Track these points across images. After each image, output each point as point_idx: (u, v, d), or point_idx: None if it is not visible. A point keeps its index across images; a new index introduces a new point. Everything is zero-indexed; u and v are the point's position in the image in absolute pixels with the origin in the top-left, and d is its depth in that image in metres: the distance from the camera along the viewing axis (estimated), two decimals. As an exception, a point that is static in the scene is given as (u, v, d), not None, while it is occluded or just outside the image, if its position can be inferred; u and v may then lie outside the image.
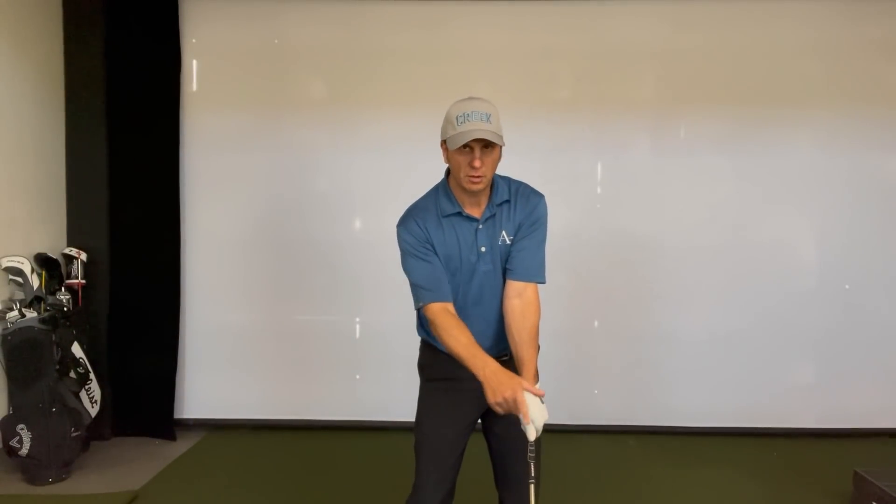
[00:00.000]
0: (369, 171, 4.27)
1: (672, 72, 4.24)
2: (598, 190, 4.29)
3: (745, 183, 4.27)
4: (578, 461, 3.90)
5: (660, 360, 4.30)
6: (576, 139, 4.26)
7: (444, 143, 2.07)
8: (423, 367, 2.31)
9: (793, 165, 4.25)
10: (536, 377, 2.09)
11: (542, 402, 1.94)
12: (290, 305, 4.37)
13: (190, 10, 4.24)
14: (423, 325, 2.21)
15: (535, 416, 1.90)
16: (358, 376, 4.35)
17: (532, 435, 1.91)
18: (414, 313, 2.25)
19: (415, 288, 2.11)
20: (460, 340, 2.00)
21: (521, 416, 1.89)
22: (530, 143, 4.24)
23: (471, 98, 2.04)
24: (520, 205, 2.15)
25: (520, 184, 2.20)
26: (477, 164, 1.99)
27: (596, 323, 4.35)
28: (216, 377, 4.36)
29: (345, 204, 4.31)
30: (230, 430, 4.34)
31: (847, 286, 4.26)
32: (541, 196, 2.18)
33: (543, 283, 2.14)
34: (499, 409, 1.93)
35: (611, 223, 4.28)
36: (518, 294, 2.11)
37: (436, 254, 2.10)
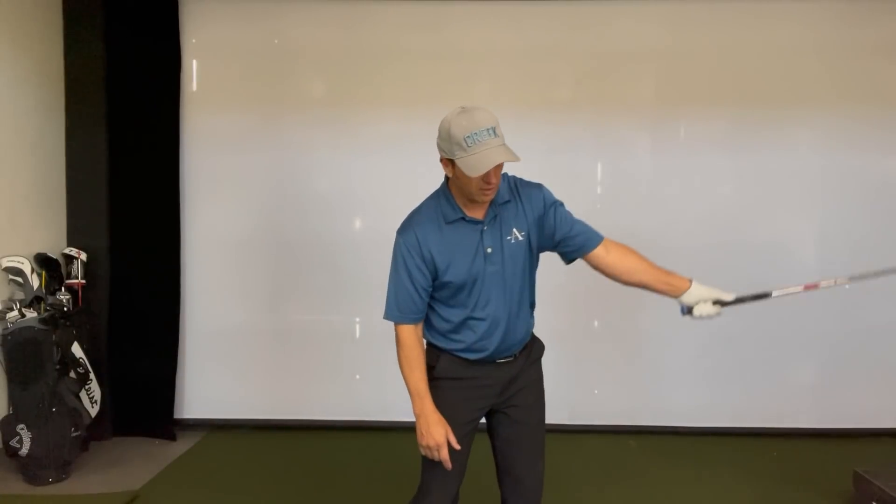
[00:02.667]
0: (369, 171, 4.27)
1: (672, 72, 4.24)
2: (598, 190, 4.29)
3: (745, 183, 4.26)
4: (578, 461, 3.90)
5: (660, 360, 4.30)
6: (576, 139, 4.26)
7: (447, 160, 2.01)
8: (428, 368, 2.31)
9: (793, 165, 4.25)
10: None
11: None
12: (290, 305, 4.37)
13: (190, 10, 4.24)
14: (427, 326, 2.22)
15: None
16: (358, 376, 4.35)
17: None
18: None
19: (389, 301, 2.14)
20: (415, 374, 2.09)
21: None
22: (530, 143, 4.20)
23: (469, 110, 1.96)
24: (525, 202, 2.15)
25: (516, 179, 2.19)
26: (493, 179, 1.99)
27: (596, 323, 4.35)
28: (216, 377, 4.36)
29: (345, 204, 4.30)
30: (230, 430, 4.34)
31: (847, 286, 4.24)
32: (539, 185, 2.20)
33: (603, 237, 2.23)
34: (423, 451, 2.08)
35: (611, 223, 4.22)
36: (606, 253, 2.20)
37: (427, 269, 2.09)
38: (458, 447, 2.06)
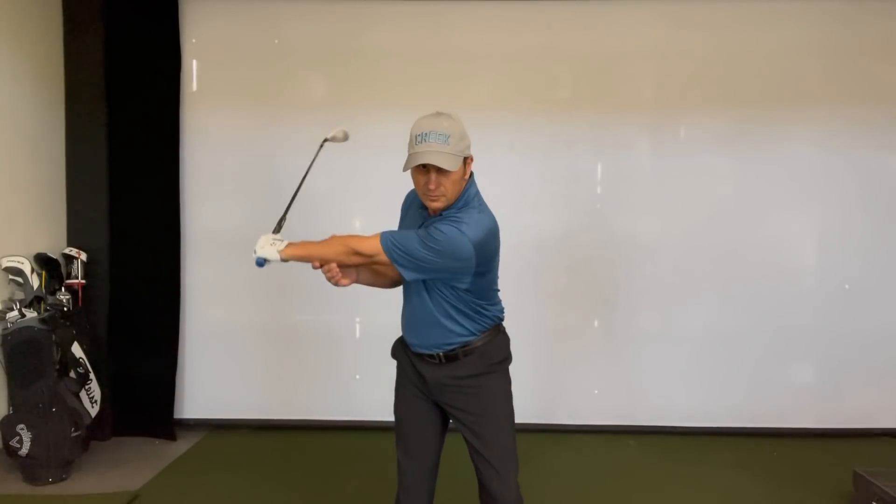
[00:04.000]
0: (369, 171, 4.26)
1: (672, 72, 4.24)
2: (598, 190, 4.29)
3: (745, 183, 4.27)
4: (578, 461, 3.89)
5: (660, 360, 4.29)
6: (576, 139, 4.26)
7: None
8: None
9: (792, 165, 4.25)
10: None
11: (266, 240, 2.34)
12: (290, 305, 4.36)
13: (190, 10, 4.24)
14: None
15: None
16: (358, 376, 4.35)
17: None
18: None
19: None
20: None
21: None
22: (530, 143, 4.25)
23: (436, 115, 2.11)
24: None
25: (467, 210, 2.14)
26: (431, 185, 2.07)
27: (596, 323, 4.35)
28: (216, 377, 4.36)
29: (345, 204, 4.31)
30: (230, 430, 4.34)
31: (847, 286, 4.26)
32: (454, 227, 2.07)
33: (381, 248, 2.14)
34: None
35: (611, 223, 4.28)
36: None
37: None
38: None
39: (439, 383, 2.26)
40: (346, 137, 2.51)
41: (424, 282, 2.19)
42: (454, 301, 2.19)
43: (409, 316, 2.30)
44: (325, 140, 2.42)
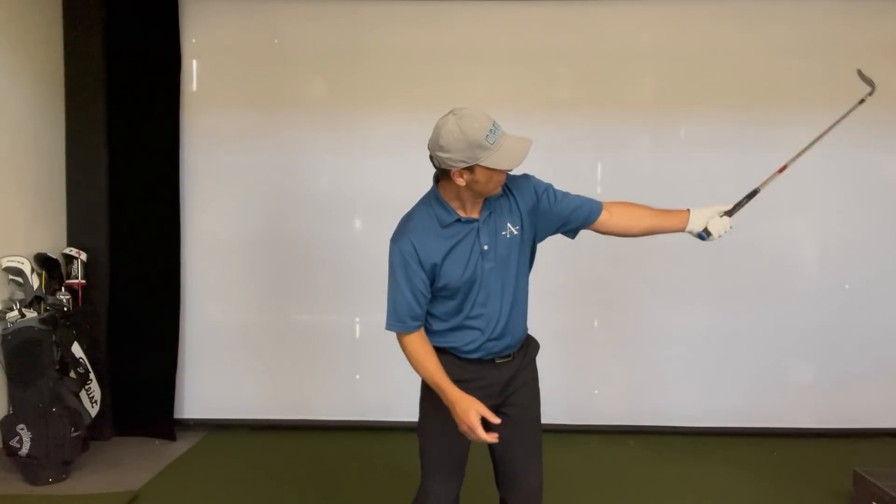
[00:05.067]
0: (369, 171, 4.26)
1: (672, 72, 4.24)
2: (598, 190, 4.29)
3: (745, 183, 4.23)
4: (578, 461, 3.90)
5: (660, 360, 4.29)
6: (576, 139, 4.26)
7: (467, 169, 1.95)
8: None
9: (792, 165, 4.24)
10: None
11: None
12: (290, 305, 4.37)
13: (190, 10, 4.24)
14: (427, 328, 2.19)
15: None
16: (358, 376, 4.35)
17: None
18: None
19: (389, 311, 2.11)
20: (429, 370, 2.06)
21: None
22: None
23: (466, 113, 1.95)
24: (516, 195, 2.13)
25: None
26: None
27: (596, 323, 4.35)
28: (216, 377, 4.36)
29: (345, 204, 4.30)
30: (230, 430, 4.34)
31: (847, 286, 4.26)
32: (526, 176, 2.18)
33: (602, 203, 2.20)
34: (466, 434, 2.01)
35: (611, 223, 4.27)
36: (610, 216, 2.21)
37: (425, 275, 2.07)
38: (496, 420, 2.00)
39: (512, 375, 2.19)
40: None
41: (502, 274, 2.10)
42: (524, 283, 2.19)
43: (491, 319, 2.12)
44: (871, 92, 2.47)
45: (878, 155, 4.22)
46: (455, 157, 1.94)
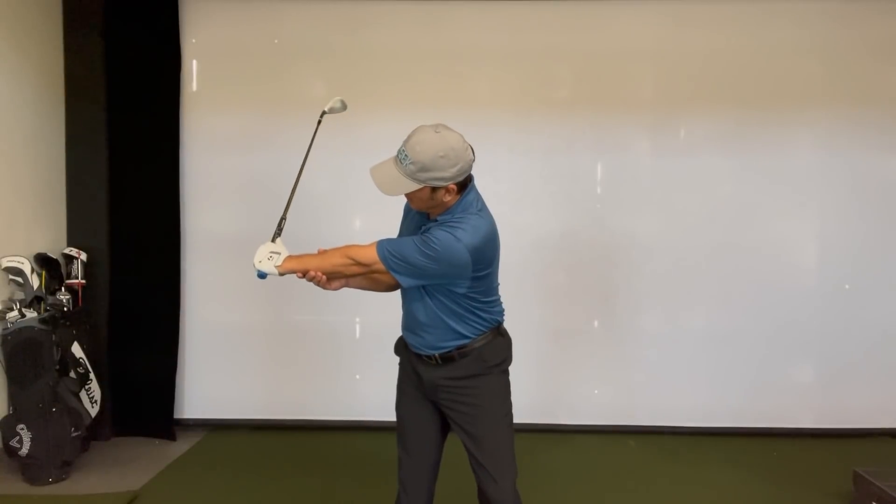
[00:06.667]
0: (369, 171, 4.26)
1: (672, 72, 4.24)
2: (598, 190, 4.29)
3: (745, 183, 4.27)
4: (578, 461, 3.90)
5: (660, 360, 4.30)
6: (576, 139, 4.26)
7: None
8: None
9: (793, 166, 4.25)
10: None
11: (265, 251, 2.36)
12: (290, 305, 4.36)
13: (190, 10, 4.24)
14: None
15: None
16: (358, 376, 4.35)
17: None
18: None
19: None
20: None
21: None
22: (530, 143, 4.24)
23: (434, 129, 2.07)
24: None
25: (464, 215, 2.13)
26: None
27: (596, 323, 4.35)
28: (216, 377, 4.36)
29: (345, 204, 4.30)
30: (230, 430, 4.34)
31: (847, 286, 4.26)
32: (449, 233, 2.06)
33: (378, 258, 2.14)
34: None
35: (610, 223, 4.28)
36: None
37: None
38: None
39: (434, 384, 2.26)
40: (344, 107, 2.49)
41: (423, 286, 2.18)
42: (452, 304, 2.18)
43: (408, 317, 2.30)
44: (324, 113, 2.39)
45: (878, 155, 4.22)
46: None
